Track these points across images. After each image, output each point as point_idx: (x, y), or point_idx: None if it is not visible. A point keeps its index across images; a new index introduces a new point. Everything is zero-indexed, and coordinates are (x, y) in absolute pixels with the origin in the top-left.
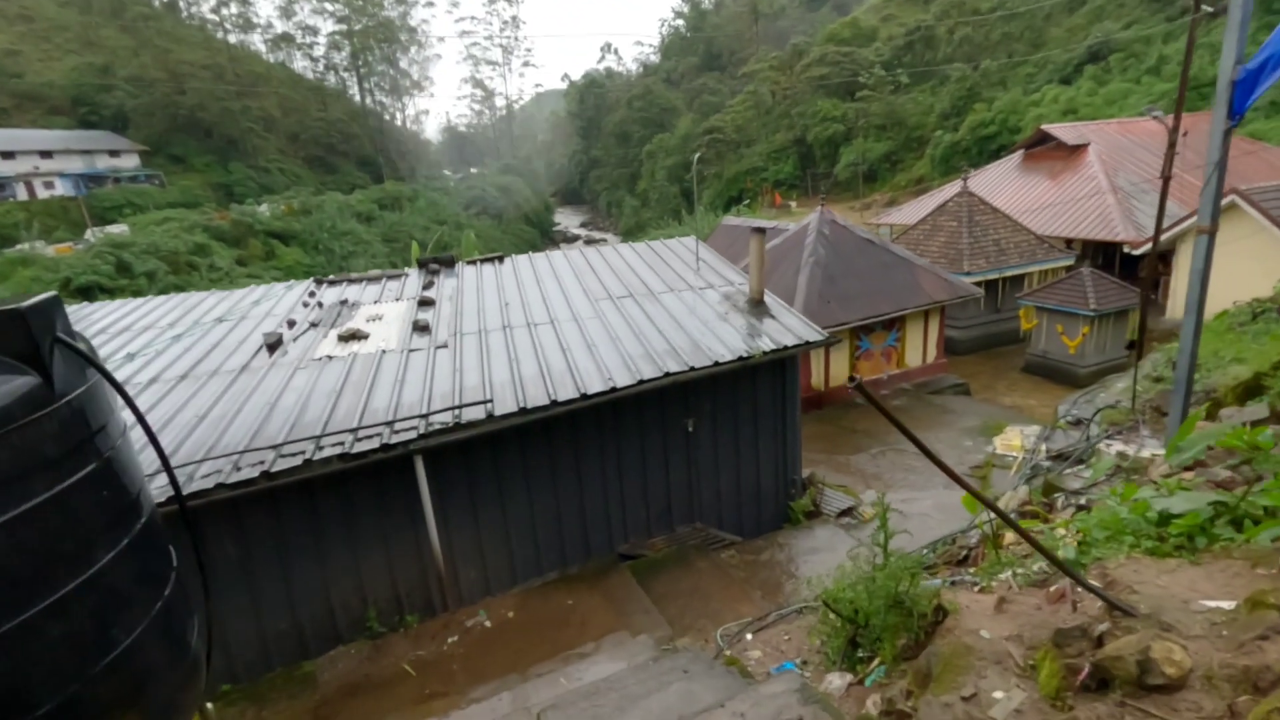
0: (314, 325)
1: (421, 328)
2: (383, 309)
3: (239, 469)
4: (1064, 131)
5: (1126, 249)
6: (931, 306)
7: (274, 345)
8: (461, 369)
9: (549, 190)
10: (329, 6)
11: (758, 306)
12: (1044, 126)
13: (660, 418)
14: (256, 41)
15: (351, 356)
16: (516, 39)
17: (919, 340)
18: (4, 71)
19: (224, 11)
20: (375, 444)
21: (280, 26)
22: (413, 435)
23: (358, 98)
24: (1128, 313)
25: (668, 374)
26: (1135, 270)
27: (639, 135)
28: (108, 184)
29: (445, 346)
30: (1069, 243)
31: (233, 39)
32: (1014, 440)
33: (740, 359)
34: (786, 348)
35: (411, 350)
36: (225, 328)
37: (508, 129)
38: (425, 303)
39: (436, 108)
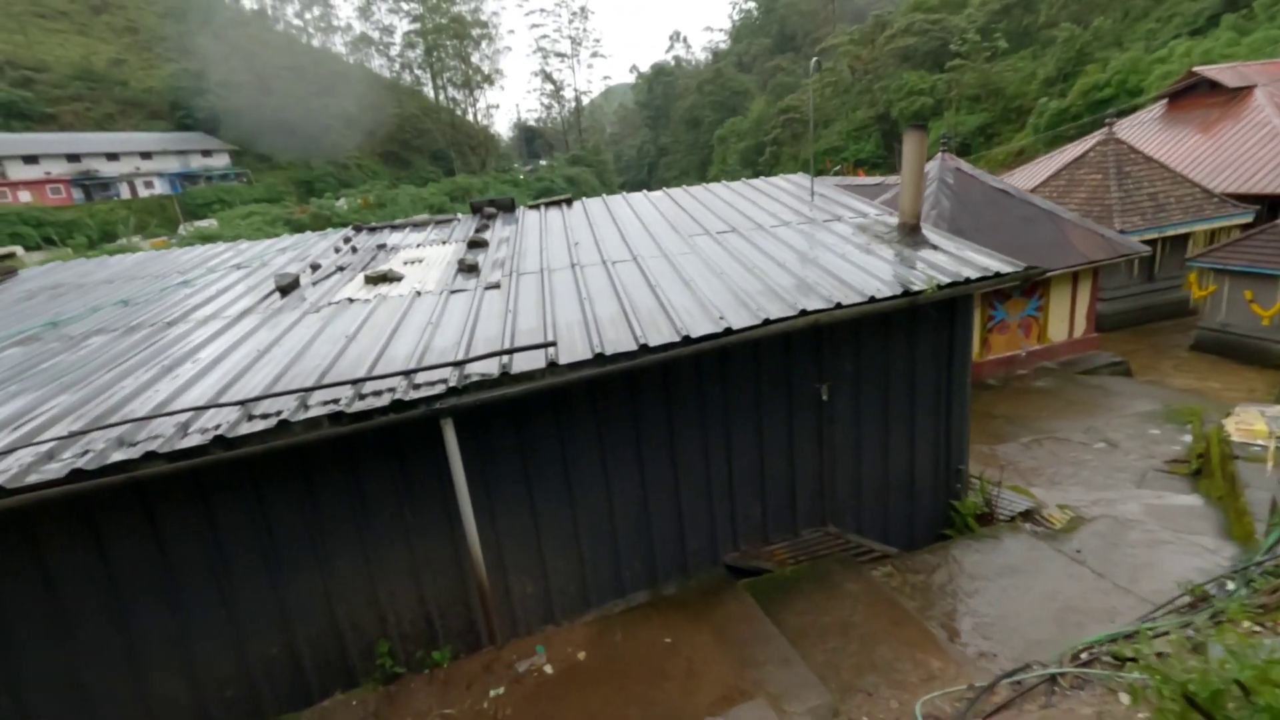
0: (341, 269)
1: (468, 268)
2: (424, 252)
3: (186, 434)
4: (1222, 74)
5: None
6: (1084, 268)
7: (287, 288)
8: (515, 310)
9: (617, 182)
10: (404, 5)
11: (912, 234)
12: (1196, 69)
13: (784, 381)
14: (337, 44)
15: (378, 299)
16: (585, 30)
17: (1065, 310)
18: (111, 80)
19: (307, 16)
20: (384, 401)
21: (359, 28)
22: (440, 390)
23: (431, 94)
24: None
25: (804, 313)
26: None
27: (710, 120)
28: (200, 182)
29: (496, 287)
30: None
31: (315, 42)
32: (1255, 424)
33: (906, 293)
34: (968, 281)
35: (453, 291)
36: (241, 274)
37: (576, 122)
38: (476, 244)
39: (506, 101)
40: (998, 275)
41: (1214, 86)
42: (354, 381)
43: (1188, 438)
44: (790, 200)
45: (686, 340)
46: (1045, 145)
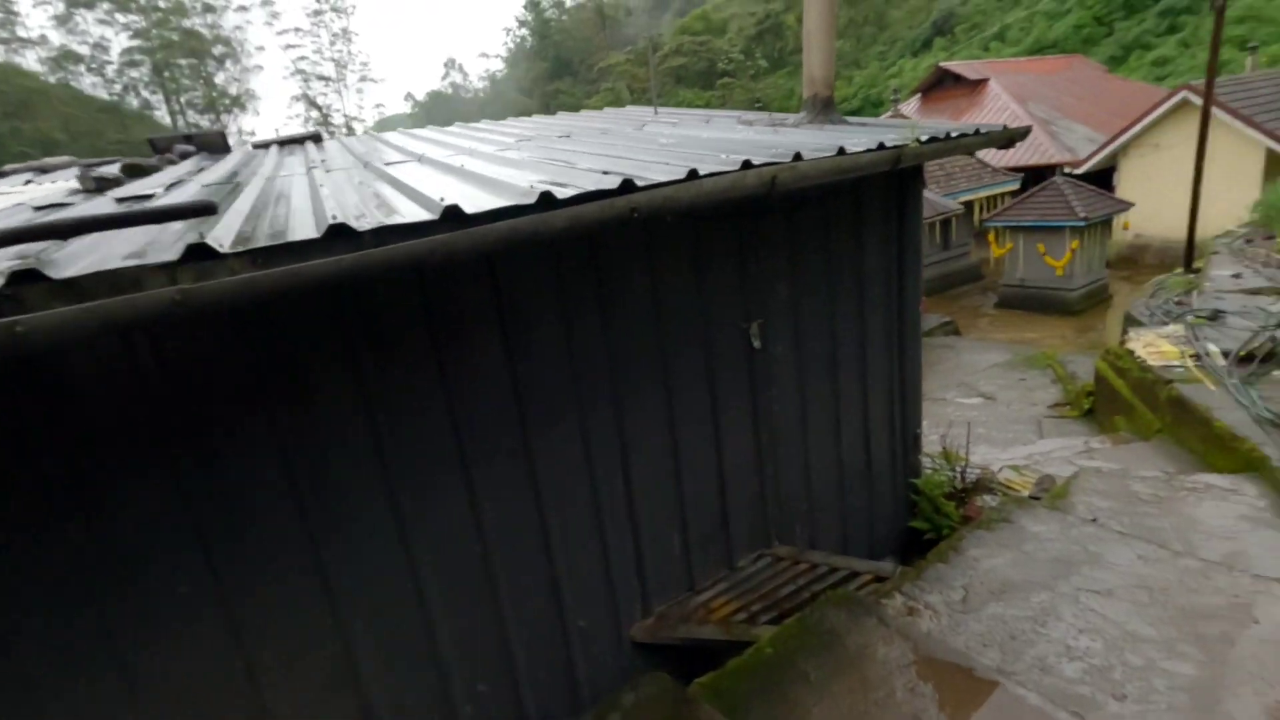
0: None
1: (101, 185)
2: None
3: None
4: (963, 68)
5: (1066, 170)
6: None
7: None
8: (280, 194)
9: None
10: (120, 18)
11: (827, 111)
12: (942, 64)
13: (698, 321)
14: (30, 59)
15: None
16: (350, 53)
17: None
18: None
19: None
20: None
21: (59, 40)
22: None
23: (166, 118)
24: (1110, 225)
25: (749, 165)
26: None
27: None
28: None
29: (149, 197)
30: None
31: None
32: (1161, 345)
33: (883, 148)
34: (949, 137)
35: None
36: None
37: None
38: (134, 170)
39: (264, 127)
40: (978, 133)
41: (958, 80)
42: None
43: (1053, 381)
44: (644, 114)
45: (547, 202)
46: None
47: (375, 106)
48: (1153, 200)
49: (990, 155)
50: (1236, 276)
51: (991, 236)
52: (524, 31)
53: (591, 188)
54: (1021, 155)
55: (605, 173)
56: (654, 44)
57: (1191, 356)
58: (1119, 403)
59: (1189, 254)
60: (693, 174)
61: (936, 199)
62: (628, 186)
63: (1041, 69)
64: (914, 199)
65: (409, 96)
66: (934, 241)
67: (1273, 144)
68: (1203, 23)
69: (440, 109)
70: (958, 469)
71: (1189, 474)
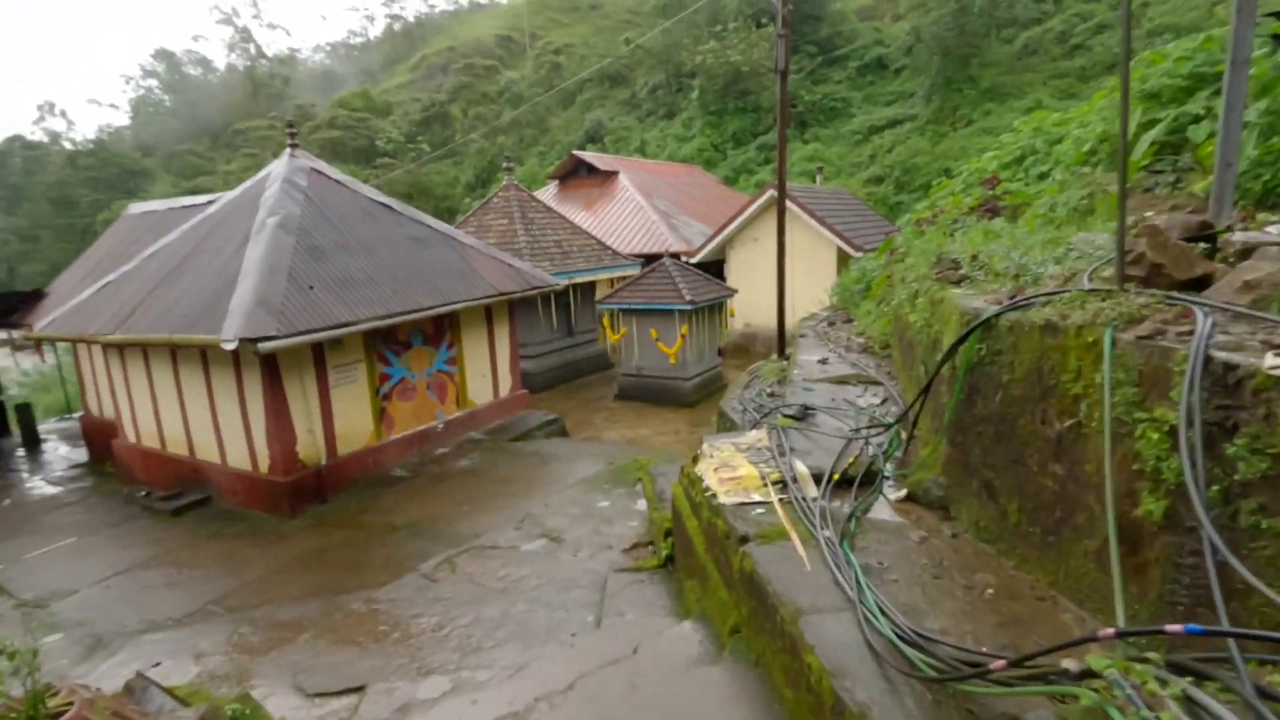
0: None
1: None
2: None
3: None
4: (596, 159)
5: (684, 259)
6: (497, 300)
7: None
8: None
9: None
10: None
11: None
12: (575, 152)
13: None
14: None
15: None
16: None
17: (484, 362)
18: None
19: None
20: None
21: None
22: None
23: None
24: (719, 310)
25: None
26: None
27: (89, 200)
28: None
29: None
30: None
31: None
32: (740, 467)
33: None
34: None
35: None
36: None
37: None
38: None
39: None
40: None
41: (591, 170)
42: None
43: (642, 503)
44: None
45: None
46: None
47: None
48: (758, 290)
49: (614, 242)
50: (823, 362)
51: (605, 320)
52: (151, 82)
53: None
54: (643, 243)
55: None
56: (305, 113)
57: (776, 483)
58: (694, 559)
59: (781, 339)
60: None
61: (527, 270)
62: None
63: (665, 172)
64: None
65: None
66: (552, 326)
67: (841, 243)
68: (789, 157)
69: (22, 158)
70: None
71: None
